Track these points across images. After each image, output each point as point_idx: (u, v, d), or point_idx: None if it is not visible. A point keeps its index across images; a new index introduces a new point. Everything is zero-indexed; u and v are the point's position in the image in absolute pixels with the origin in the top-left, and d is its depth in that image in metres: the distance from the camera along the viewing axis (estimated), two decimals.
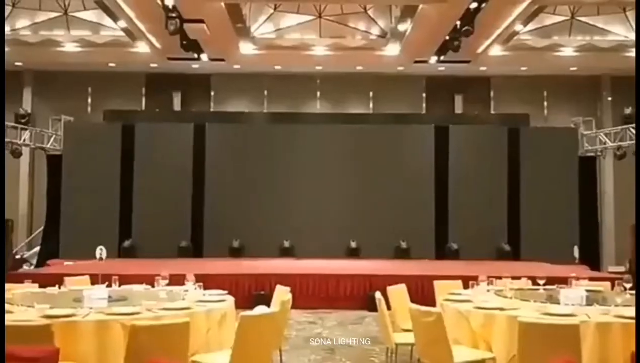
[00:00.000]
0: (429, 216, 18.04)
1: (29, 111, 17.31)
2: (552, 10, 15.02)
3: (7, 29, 15.50)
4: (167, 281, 7.87)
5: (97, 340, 6.08)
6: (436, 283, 8.97)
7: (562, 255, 13.75)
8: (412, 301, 7.73)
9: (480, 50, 15.96)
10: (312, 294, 13.20)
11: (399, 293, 8.41)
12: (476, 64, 16.76)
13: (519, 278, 8.68)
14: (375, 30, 16.17)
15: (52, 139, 16.61)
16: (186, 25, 14.05)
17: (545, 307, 6.75)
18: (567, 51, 15.93)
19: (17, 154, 16.11)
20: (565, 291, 7.29)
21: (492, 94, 18.19)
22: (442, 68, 17.53)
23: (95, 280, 9.20)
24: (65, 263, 13.52)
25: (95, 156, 16.48)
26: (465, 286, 8.28)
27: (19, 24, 15.72)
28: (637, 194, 12.90)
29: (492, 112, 18.26)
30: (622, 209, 14.09)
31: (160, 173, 16.49)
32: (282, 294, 8.16)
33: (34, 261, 14.39)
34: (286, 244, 16.76)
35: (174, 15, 13.51)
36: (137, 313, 6.39)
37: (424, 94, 18.85)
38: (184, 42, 14.80)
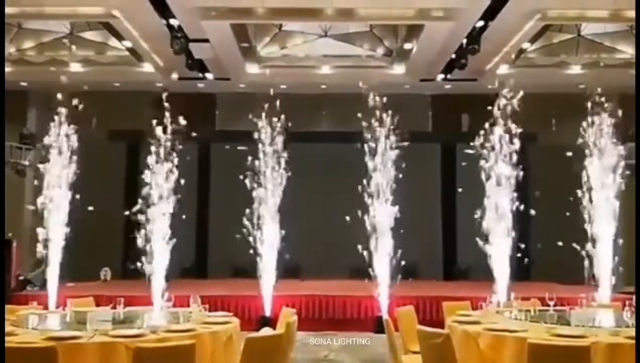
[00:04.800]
0: (436, 236, 17.97)
1: (34, 131, 17.27)
2: (559, 29, 14.95)
3: (12, 49, 15.49)
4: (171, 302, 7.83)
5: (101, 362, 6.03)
6: (445, 304, 8.89)
7: (573, 276, 13.60)
8: (421, 322, 7.66)
9: (487, 68, 15.92)
10: (318, 315, 13.13)
11: (407, 314, 8.33)
12: (483, 82, 16.69)
13: (528, 299, 8.60)
14: (380, 50, 16.13)
15: None
16: (191, 45, 14.04)
17: (555, 328, 6.68)
18: (575, 69, 15.87)
19: (21, 174, 16.09)
20: (576, 312, 7.22)
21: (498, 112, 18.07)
22: (449, 86, 17.49)
23: (99, 301, 9.15)
24: (69, 284, 13.45)
25: (99, 176, 16.43)
26: (474, 308, 8.21)
27: (25, 45, 15.71)
28: (637, 201, 12.81)
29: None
30: (632, 227, 13.92)
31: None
32: (287, 316, 8.08)
33: (38, 282, 14.33)
34: (292, 264, 16.63)
35: (179, 35, 13.51)
36: (142, 335, 6.34)
37: (430, 113, 18.78)
38: (189, 62, 14.79)
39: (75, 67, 15.86)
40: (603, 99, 11.79)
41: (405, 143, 13.49)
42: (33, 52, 15.83)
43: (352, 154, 13.64)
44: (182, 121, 10.98)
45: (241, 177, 13.25)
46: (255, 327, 10.85)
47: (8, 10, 12.11)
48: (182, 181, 10.95)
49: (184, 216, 11.08)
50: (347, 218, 13.66)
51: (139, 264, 10.21)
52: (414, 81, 16.82)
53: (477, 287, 12.60)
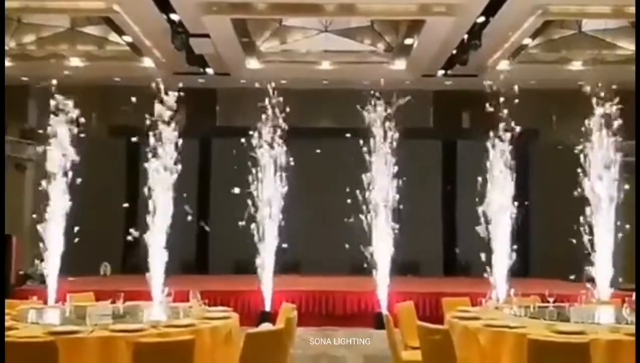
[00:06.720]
0: (436, 232, 17.95)
1: (35, 126, 17.26)
2: (560, 25, 14.90)
3: (13, 44, 15.47)
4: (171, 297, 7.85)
5: (101, 357, 6.06)
6: (444, 300, 8.90)
7: (573, 272, 13.59)
8: (420, 318, 7.66)
9: (487, 64, 15.90)
10: (318, 311, 13.12)
11: (406, 310, 8.33)
12: (483, 78, 16.65)
13: (528, 295, 8.59)
14: (381, 45, 16.10)
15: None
16: (192, 40, 14.03)
17: (554, 325, 6.67)
18: (576, 65, 15.84)
19: (21, 169, 16.10)
20: (576, 309, 7.21)
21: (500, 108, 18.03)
22: (450, 82, 17.46)
23: (99, 296, 9.15)
24: (69, 279, 13.43)
25: (100, 171, 16.40)
26: (474, 304, 8.21)
27: (25, 40, 15.68)
28: (637, 198, 12.79)
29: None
30: (633, 224, 13.92)
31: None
32: (287, 311, 8.08)
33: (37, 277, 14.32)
34: (292, 259, 16.63)
35: (179, 30, 13.50)
36: (142, 330, 6.35)
37: (431, 109, 18.75)
38: (190, 57, 14.77)
39: (76, 61, 15.85)
40: (603, 95, 11.74)
41: (406, 139, 13.50)
42: (33, 46, 15.81)
43: (353, 149, 13.63)
44: (183, 116, 10.96)
45: (241, 172, 13.24)
46: (255, 323, 10.85)
47: (11, 4, 12.12)
48: (183, 177, 10.92)
49: (185, 212, 11.05)
50: (348, 213, 13.67)
51: (138, 259, 10.19)
52: (415, 77, 16.78)
53: (476, 283, 12.58)
